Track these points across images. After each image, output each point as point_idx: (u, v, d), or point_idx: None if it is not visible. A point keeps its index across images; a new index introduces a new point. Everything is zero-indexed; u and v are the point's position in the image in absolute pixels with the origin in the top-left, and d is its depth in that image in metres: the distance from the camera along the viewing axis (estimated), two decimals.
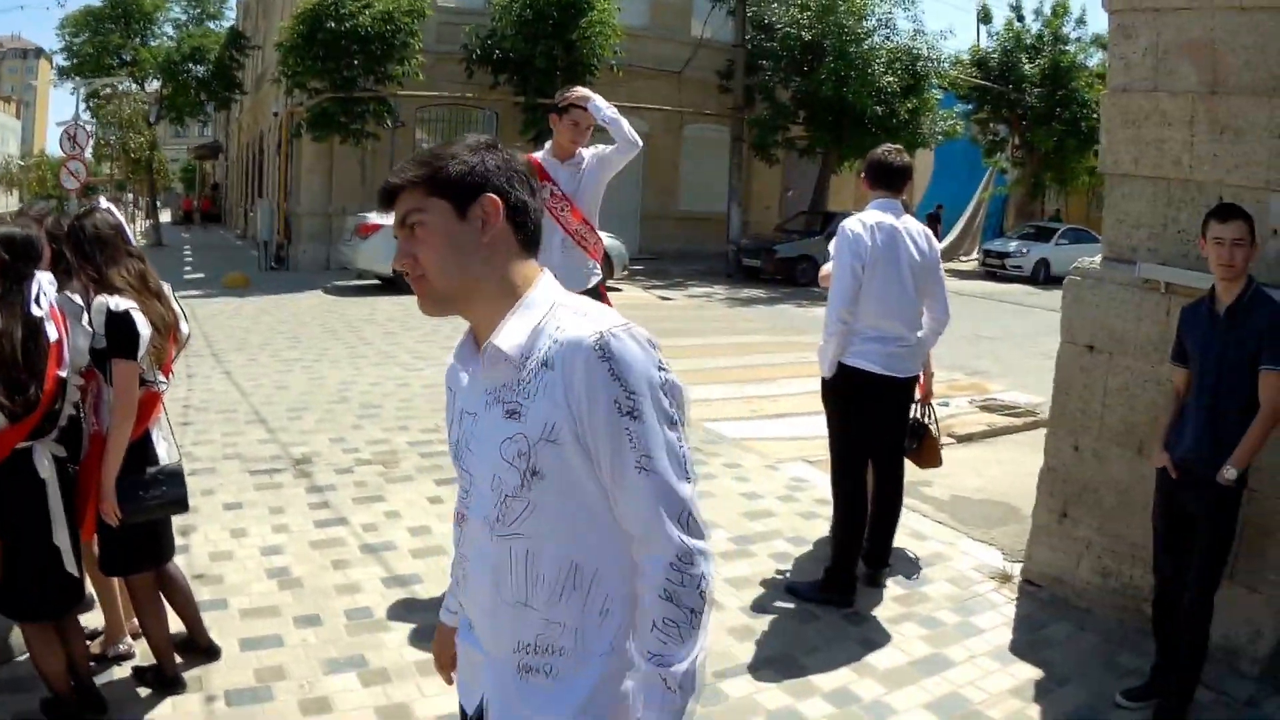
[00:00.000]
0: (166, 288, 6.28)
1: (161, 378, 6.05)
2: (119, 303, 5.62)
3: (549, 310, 2.66)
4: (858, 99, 34.61)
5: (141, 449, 5.90)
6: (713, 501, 9.52)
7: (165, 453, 6.10)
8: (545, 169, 8.11)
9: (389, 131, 33.40)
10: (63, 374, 5.40)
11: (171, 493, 5.92)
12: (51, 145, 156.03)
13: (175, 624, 6.44)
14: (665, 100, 39.21)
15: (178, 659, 6.35)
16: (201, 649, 6.55)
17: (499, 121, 37.85)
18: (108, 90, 54.64)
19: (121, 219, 6.18)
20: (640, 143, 8.20)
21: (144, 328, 5.65)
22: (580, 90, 8.13)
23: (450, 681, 3.24)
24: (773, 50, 37.26)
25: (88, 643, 6.37)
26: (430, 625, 6.91)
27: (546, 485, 2.60)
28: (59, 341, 5.39)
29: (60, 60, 58.47)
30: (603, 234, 8.44)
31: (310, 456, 11.14)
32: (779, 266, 33.52)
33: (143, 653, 6.55)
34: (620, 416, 2.53)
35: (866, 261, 7.33)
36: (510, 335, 2.61)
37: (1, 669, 6.50)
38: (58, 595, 5.57)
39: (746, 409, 13.72)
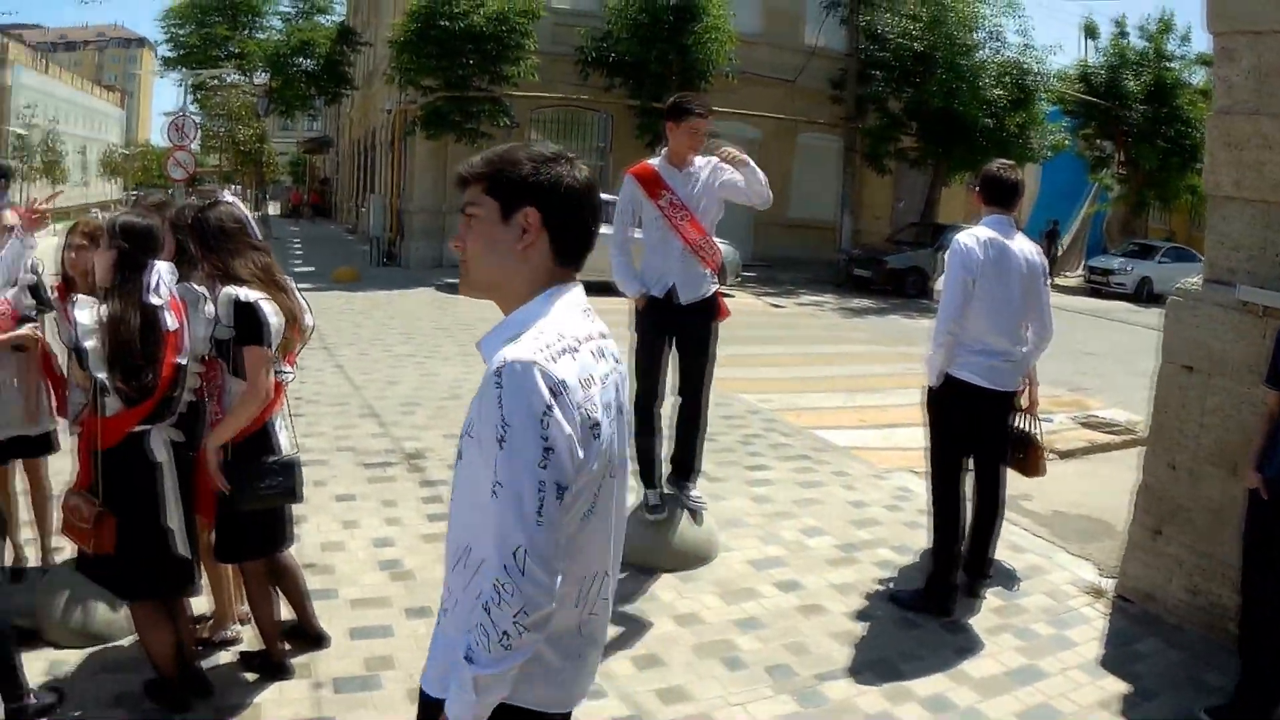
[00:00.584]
0: (290, 282, 6.35)
1: (286, 368, 6.15)
2: (248, 294, 5.73)
3: (523, 325, 2.90)
4: (967, 111, 34.42)
5: (263, 438, 5.99)
6: (820, 508, 9.73)
7: (286, 442, 6.16)
8: (662, 177, 8.16)
9: (504, 131, 33.25)
10: (181, 361, 5.59)
11: (285, 483, 5.99)
12: (155, 135, 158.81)
13: (285, 611, 6.57)
14: (778, 108, 38.90)
15: (285, 646, 6.48)
16: (311, 637, 6.65)
17: (613, 125, 37.95)
18: (214, 82, 55.05)
19: (246, 213, 6.29)
20: (771, 198, 8.18)
21: (273, 317, 5.79)
22: (703, 98, 8.25)
23: None
24: (884, 60, 37.05)
25: (195, 627, 6.57)
26: None
27: (462, 468, 2.96)
28: (177, 330, 5.59)
29: (165, 51, 58.99)
30: (716, 239, 8.38)
31: (423, 451, 11.25)
32: (889, 277, 33.39)
33: (251, 639, 6.67)
34: (494, 441, 2.74)
35: (976, 276, 7.40)
36: (487, 344, 2.95)
37: (107, 650, 6.67)
38: (168, 577, 5.77)
39: (855, 418, 13.93)
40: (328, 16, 57.23)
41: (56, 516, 6.96)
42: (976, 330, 7.48)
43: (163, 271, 5.61)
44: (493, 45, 32.13)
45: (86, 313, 5.46)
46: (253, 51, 53.70)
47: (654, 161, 8.30)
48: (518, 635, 2.74)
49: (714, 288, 8.29)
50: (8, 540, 7.70)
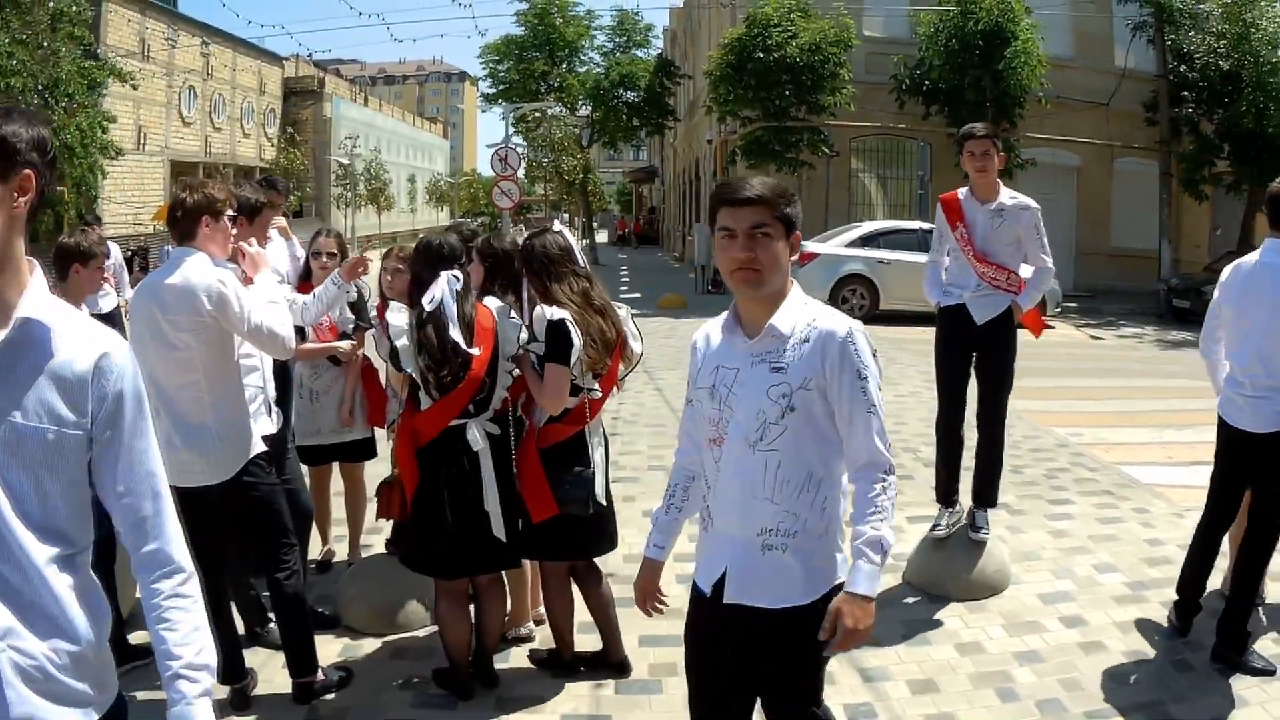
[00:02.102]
0: (624, 310, 6.86)
1: (595, 386, 6.49)
2: (555, 312, 6.23)
3: (802, 304, 4.00)
4: (1277, 132, 32.52)
5: (573, 448, 6.46)
6: (1115, 545, 9.41)
7: (598, 456, 6.57)
8: (962, 208, 8.19)
9: (824, 160, 33.73)
10: (487, 356, 6.17)
11: (574, 493, 6.32)
12: (480, 165, 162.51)
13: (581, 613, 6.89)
14: (1093, 133, 38.16)
15: (576, 654, 6.86)
16: (613, 665, 6.82)
17: (932, 153, 37.76)
18: (536, 114, 56.43)
19: (573, 241, 6.74)
20: (1054, 286, 8.08)
21: (577, 337, 6.21)
22: (989, 126, 8.34)
23: (651, 614, 4.59)
24: (1194, 81, 35.53)
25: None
26: None
27: (796, 417, 3.87)
28: (490, 329, 6.23)
29: (485, 86, 60.82)
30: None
31: None
32: (1206, 308, 31.70)
33: (544, 638, 7.15)
34: (858, 380, 3.85)
35: (1222, 301, 7.14)
36: (786, 320, 3.92)
37: (402, 639, 7.40)
38: (484, 558, 6.35)
39: (1163, 454, 13.36)
40: (646, 50, 58.35)
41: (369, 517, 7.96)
42: (1229, 360, 7.09)
43: (441, 283, 6.16)
44: (808, 75, 32.76)
45: (399, 316, 6.21)
46: (573, 85, 55.06)
47: (961, 192, 8.30)
48: (894, 502, 3.96)
49: (1022, 299, 8.10)
50: (318, 535, 8.74)
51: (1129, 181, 39.76)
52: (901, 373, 18.95)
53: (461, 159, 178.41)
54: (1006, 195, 8.15)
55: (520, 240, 6.84)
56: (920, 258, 26.60)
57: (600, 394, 6.58)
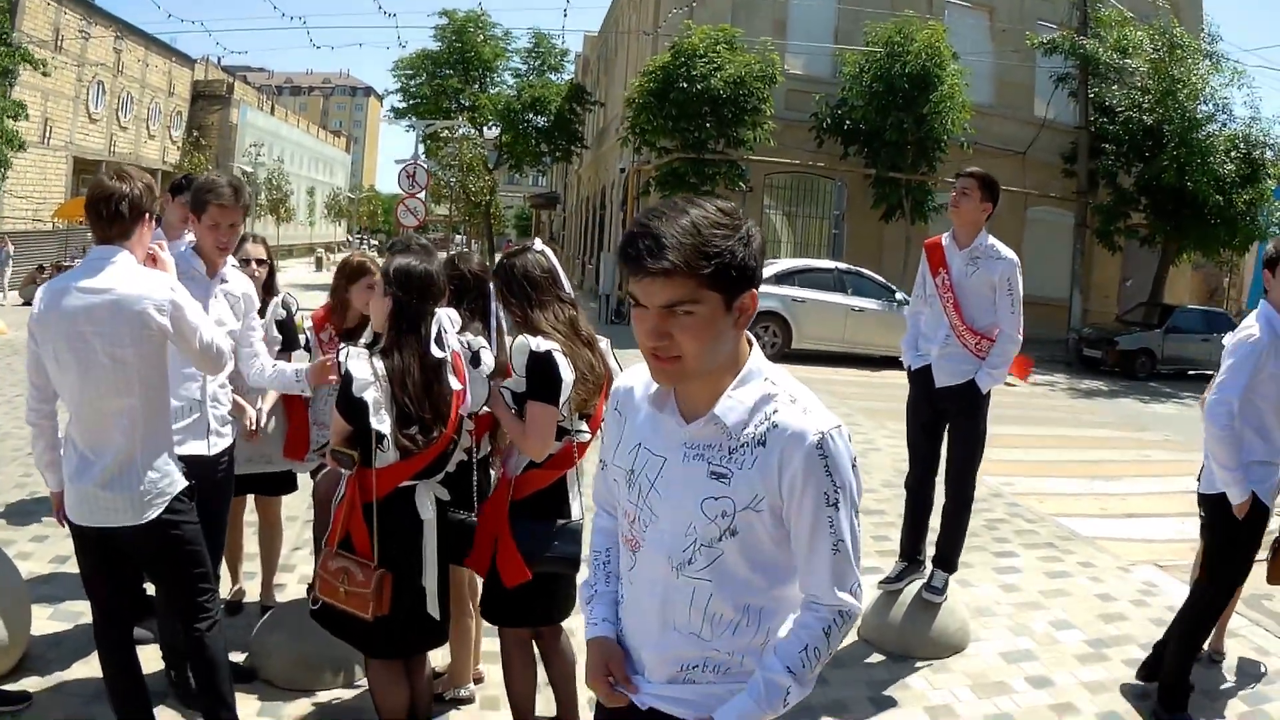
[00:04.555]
0: (604, 343, 6.02)
1: (583, 428, 5.74)
2: (541, 343, 5.43)
3: (762, 386, 3.06)
4: (1198, 187, 33.02)
5: (553, 497, 5.66)
6: (1068, 601, 9.35)
7: (576, 509, 5.75)
8: (944, 253, 7.91)
9: (739, 195, 33.47)
10: (463, 416, 5.47)
11: (564, 549, 5.60)
12: (380, 181, 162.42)
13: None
14: (1009, 180, 37.56)
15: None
16: None
17: (848, 193, 37.94)
18: (445, 133, 56.23)
19: (556, 263, 5.98)
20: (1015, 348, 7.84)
21: (567, 373, 5.42)
22: (971, 173, 7.80)
23: (610, 698, 3.44)
24: (1115, 134, 35.89)
25: (435, 682, 6.41)
26: (797, 705, 6.75)
27: (737, 541, 3.04)
28: (460, 391, 5.42)
29: (396, 100, 60.48)
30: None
31: None
32: (1119, 358, 32.51)
33: (484, 699, 6.67)
34: (826, 506, 2.98)
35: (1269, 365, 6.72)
36: (734, 410, 3.02)
37: (328, 699, 6.67)
38: (416, 636, 5.59)
39: (1096, 506, 13.46)
40: (559, 75, 58.32)
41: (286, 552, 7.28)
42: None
43: (444, 322, 5.49)
44: (729, 109, 32.57)
45: (360, 364, 5.25)
46: (484, 105, 54.84)
47: (944, 237, 8.02)
48: (832, 652, 3.16)
49: (964, 378, 7.78)
50: (228, 573, 7.87)
51: (1041, 230, 40.30)
52: None
53: (361, 174, 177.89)
54: (987, 241, 7.75)
55: (490, 261, 6.10)
56: (835, 298, 27.64)
57: (589, 435, 5.80)
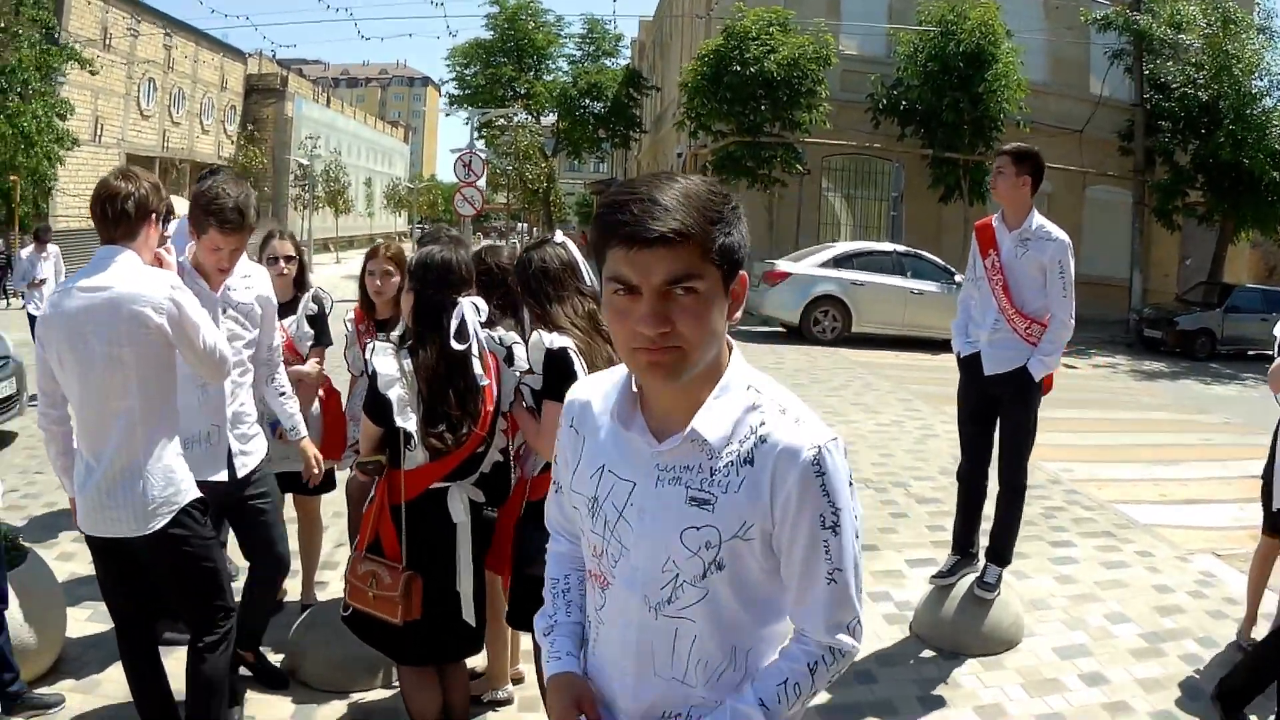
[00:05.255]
0: None
1: None
2: (555, 339, 5.14)
3: (746, 396, 2.65)
4: (1254, 164, 32.54)
5: None
6: (1124, 592, 9.04)
7: None
8: (995, 234, 7.67)
9: (796, 178, 33.43)
10: (495, 414, 5.28)
11: None
12: (440, 171, 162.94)
13: None
14: (1066, 159, 37.44)
15: None
16: None
17: (905, 174, 37.65)
18: (501, 121, 56.31)
19: (578, 255, 5.71)
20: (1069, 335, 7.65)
21: (582, 370, 5.01)
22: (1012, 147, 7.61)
23: None
24: (1171, 110, 35.47)
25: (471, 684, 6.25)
26: (842, 704, 6.72)
27: (725, 576, 2.62)
28: (489, 387, 5.27)
29: (450, 89, 60.73)
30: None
31: None
32: (1179, 339, 31.96)
33: (523, 701, 6.57)
34: (822, 529, 2.57)
35: None
36: (716, 423, 2.59)
37: (365, 699, 6.55)
38: (451, 643, 5.40)
39: (1155, 492, 13.04)
40: (614, 60, 58.38)
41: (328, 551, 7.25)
42: None
43: (467, 312, 5.24)
44: (784, 91, 32.47)
45: (386, 360, 5.14)
46: (540, 93, 54.96)
47: (995, 216, 7.74)
48: (820, 690, 2.79)
49: (1013, 365, 7.55)
50: None
51: (1100, 209, 39.85)
52: (880, 399, 18.55)
53: (421, 164, 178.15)
54: (1036, 222, 7.52)
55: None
56: (894, 281, 27.42)
57: None
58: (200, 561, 5.25)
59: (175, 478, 5.12)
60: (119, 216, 5.05)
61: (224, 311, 5.92)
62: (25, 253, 21.14)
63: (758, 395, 2.64)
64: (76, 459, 5.15)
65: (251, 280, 6.16)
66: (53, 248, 20.54)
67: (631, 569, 2.70)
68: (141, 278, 4.97)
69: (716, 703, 2.70)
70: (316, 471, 6.66)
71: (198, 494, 5.22)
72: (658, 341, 2.45)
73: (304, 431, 6.54)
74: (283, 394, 6.46)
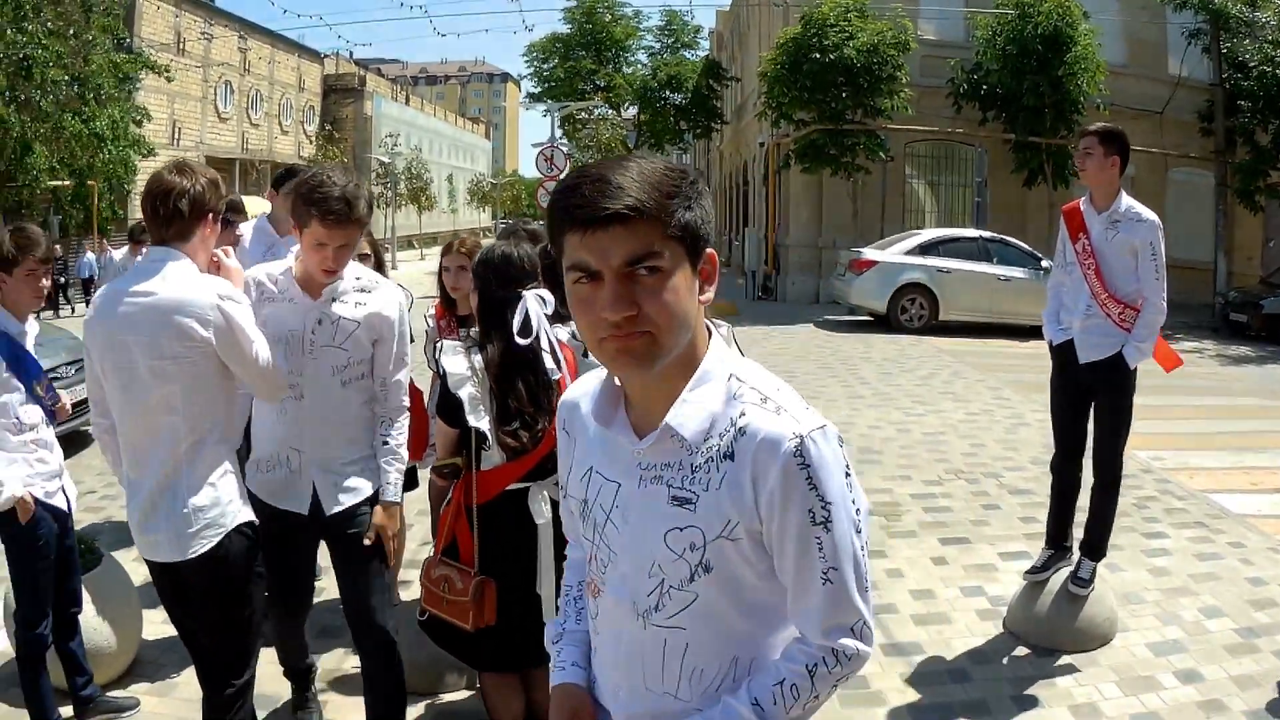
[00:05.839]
0: (724, 328, 5.04)
1: None
2: None
3: (726, 386, 2.52)
4: None
5: None
6: (1217, 585, 8.91)
7: None
8: (1083, 217, 7.58)
9: (880, 165, 33.74)
10: None
11: None
12: (522, 166, 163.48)
13: None
14: (1147, 141, 36.52)
15: None
16: None
17: (988, 160, 37.33)
18: (582, 114, 56.60)
19: None
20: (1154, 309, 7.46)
21: None
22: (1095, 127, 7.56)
23: None
24: (1250, 90, 34.65)
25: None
26: (935, 704, 6.80)
27: (713, 578, 2.51)
28: (563, 378, 5.12)
29: (529, 85, 61.19)
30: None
31: None
32: (1264, 322, 31.18)
33: None
34: (813, 526, 2.43)
35: None
36: (692, 418, 2.49)
37: (452, 700, 6.62)
38: (533, 647, 4.86)
39: (1246, 480, 12.84)
40: (693, 51, 58.59)
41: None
42: None
43: (530, 305, 5.02)
44: (865, 77, 32.39)
45: (456, 359, 5.08)
46: (619, 85, 55.27)
47: (1083, 199, 7.65)
48: (826, 697, 2.61)
49: (1108, 353, 7.49)
50: None
51: (1183, 192, 39.33)
52: (970, 388, 18.60)
53: (504, 160, 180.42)
54: (1125, 204, 7.44)
55: None
56: (981, 267, 27.47)
57: None
58: (229, 588, 4.85)
59: (222, 499, 4.78)
60: (171, 215, 4.72)
61: (317, 323, 5.19)
62: (119, 254, 21.43)
63: (739, 384, 2.53)
64: (124, 475, 4.96)
65: (369, 297, 5.39)
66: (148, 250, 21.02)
67: (620, 575, 2.63)
68: (188, 285, 4.65)
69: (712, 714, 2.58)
70: (389, 549, 5.58)
71: (248, 516, 4.92)
72: (624, 327, 2.37)
73: (396, 498, 5.56)
74: (389, 451, 5.47)
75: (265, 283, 5.20)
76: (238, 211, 6.16)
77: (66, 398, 6.66)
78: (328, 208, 4.89)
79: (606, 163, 2.43)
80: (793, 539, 2.44)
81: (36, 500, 5.80)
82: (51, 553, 5.94)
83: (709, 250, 2.48)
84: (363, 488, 5.40)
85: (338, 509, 5.36)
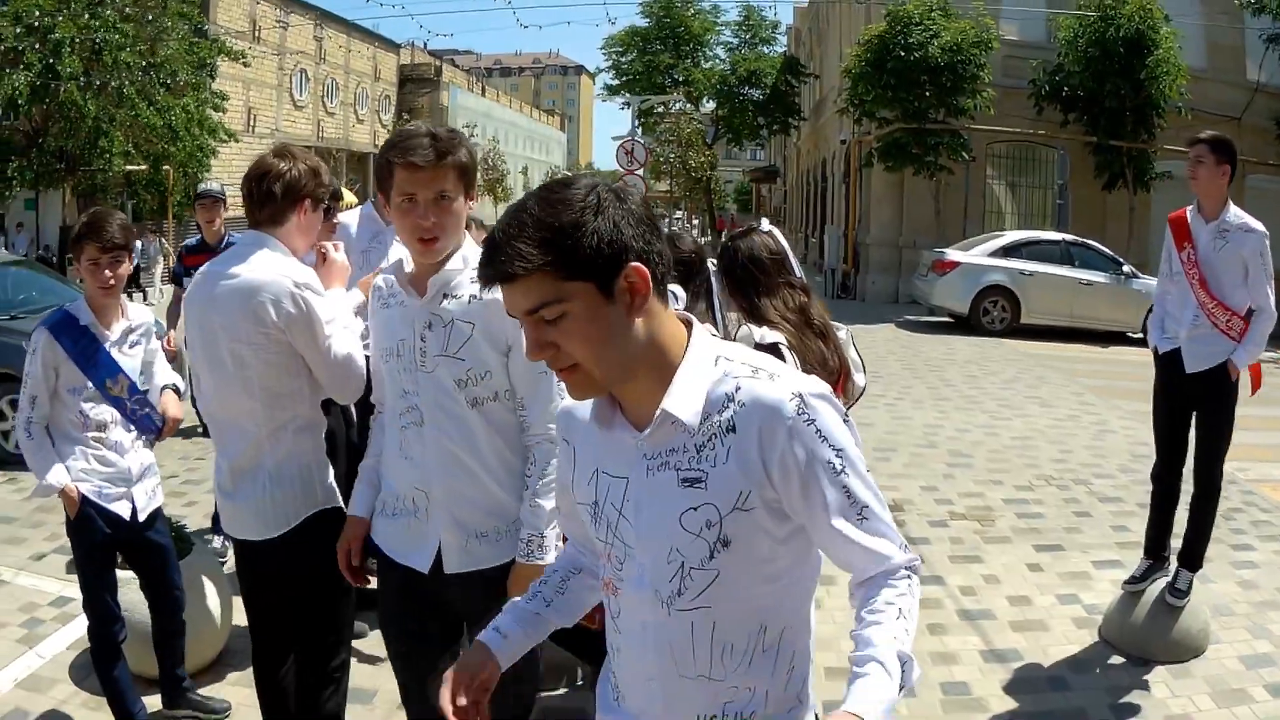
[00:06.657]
0: (844, 332, 5.50)
1: None
2: (766, 334, 4.90)
3: (716, 366, 2.54)
4: None
5: None
6: None
7: None
8: (1190, 227, 7.45)
9: (962, 166, 33.91)
10: None
11: None
12: (597, 158, 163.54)
13: None
14: None
15: None
16: None
17: (1069, 163, 37.01)
18: (660, 109, 56.79)
19: (785, 244, 5.44)
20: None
21: (793, 366, 4.65)
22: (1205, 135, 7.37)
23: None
24: None
25: None
26: (1036, 712, 6.82)
27: (732, 551, 2.49)
28: None
29: (607, 78, 61.48)
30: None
31: (901, 504, 10.95)
32: None
33: None
34: (836, 475, 2.45)
35: None
36: (685, 400, 2.48)
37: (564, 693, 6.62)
38: None
39: None
40: (771, 47, 58.69)
41: None
42: None
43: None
44: (948, 76, 32.48)
45: None
46: (698, 79, 55.43)
47: (1189, 208, 7.51)
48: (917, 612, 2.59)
49: (1215, 361, 7.36)
50: None
51: (1260, 199, 38.89)
52: (1054, 393, 18.37)
53: (578, 152, 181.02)
54: (1233, 214, 7.33)
55: (708, 236, 5.40)
56: (1063, 271, 27.53)
57: None
58: (320, 581, 4.70)
59: (312, 480, 4.69)
60: (264, 198, 4.62)
61: (427, 327, 4.01)
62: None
63: (728, 364, 2.55)
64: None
65: (490, 291, 3.91)
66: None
67: (639, 568, 2.60)
68: (267, 269, 4.49)
69: (750, 690, 2.61)
70: None
71: (336, 503, 4.74)
72: (554, 364, 2.46)
73: (531, 559, 4.12)
74: (527, 498, 4.10)
75: (381, 286, 4.26)
76: (336, 199, 5.98)
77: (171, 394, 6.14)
78: (408, 146, 3.92)
79: (509, 212, 2.45)
80: (819, 498, 2.46)
81: (86, 499, 5.59)
82: (98, 556, 5.74)
83: (632, 264, 2.41)
84: (497, 556, 4.14)
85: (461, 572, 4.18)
